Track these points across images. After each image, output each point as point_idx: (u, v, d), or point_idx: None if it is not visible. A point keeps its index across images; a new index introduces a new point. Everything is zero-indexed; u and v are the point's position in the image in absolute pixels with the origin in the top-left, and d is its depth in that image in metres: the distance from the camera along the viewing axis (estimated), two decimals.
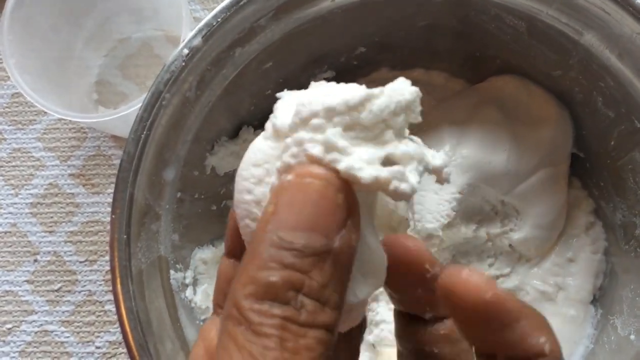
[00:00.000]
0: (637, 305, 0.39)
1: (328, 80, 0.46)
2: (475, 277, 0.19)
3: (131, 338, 0.34)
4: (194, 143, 0.41)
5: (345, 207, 0.19)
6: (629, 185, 0.40)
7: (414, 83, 0.53)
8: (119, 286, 0.34)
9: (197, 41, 0.37)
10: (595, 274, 0.43)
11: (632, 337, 0.38)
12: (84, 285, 0.53)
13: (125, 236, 0.35)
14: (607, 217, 0.44)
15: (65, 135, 0.56)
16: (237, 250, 0.25)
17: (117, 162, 0.55)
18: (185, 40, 0.37)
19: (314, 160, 0.19)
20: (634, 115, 0.38)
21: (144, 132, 0.36)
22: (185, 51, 0.37)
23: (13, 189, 0.55)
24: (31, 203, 0.55)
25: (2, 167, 0.55)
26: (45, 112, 0.47)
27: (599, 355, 0.42)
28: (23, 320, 0.52)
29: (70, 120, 0.52)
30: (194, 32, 0.37)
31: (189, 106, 0.39)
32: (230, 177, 0.46)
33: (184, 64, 0.37)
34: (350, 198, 0.19)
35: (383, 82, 0.51)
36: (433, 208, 0.41)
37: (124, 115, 0.45)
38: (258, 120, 0.46)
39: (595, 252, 0.44)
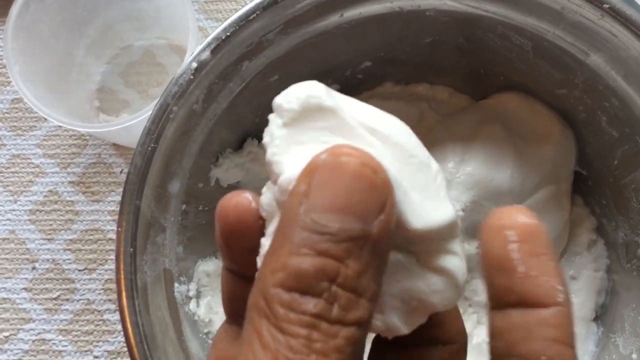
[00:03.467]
0: (639, 324, 0.39)
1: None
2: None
3: (136, 352, 0.34)
4: (199, 155, 0.41)
5: (384, 189, 0.17)
6: (632, 205, 0.41)
7: (418, 97, 0.53)
8: (124, 300, 0.34)
9: (206, 55, 0.37)
10: (598, 292, 0.44)
11: (634, 356, 0.39)
12: (83, 294, 0.52)
13: (131, 249, 0.35)
14: (609, 235, 0.44)
15: (66, 142, 0.56)
16: (235, 266, 0.23)
17: (117, 170, 0.55)
18: (194, 54, 0.37)
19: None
20: (638, 136, 0.38)
21: (151, 145, 0.36)
22: (194, 65, 0.37)
23: (12, 195, 0.55)
24: (30, 210, 0.54)
25: (1, 173, 0.55)
26: (46, 119, 0.47)
27: None
28: (20, 329, 0.52)
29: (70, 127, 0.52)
30: (202, 45, 0.37)
31: (195, 119, 0.39)
32: (233, 188, 0.46)
33: (192, 77, 0.37)
34: (387, 179, 0.18)
35: (387, 96, 0.51)
36: None
37: (126, 125, 0.45)
38: (262, 132, 0.46)
39: (597, 270, 0.44)
